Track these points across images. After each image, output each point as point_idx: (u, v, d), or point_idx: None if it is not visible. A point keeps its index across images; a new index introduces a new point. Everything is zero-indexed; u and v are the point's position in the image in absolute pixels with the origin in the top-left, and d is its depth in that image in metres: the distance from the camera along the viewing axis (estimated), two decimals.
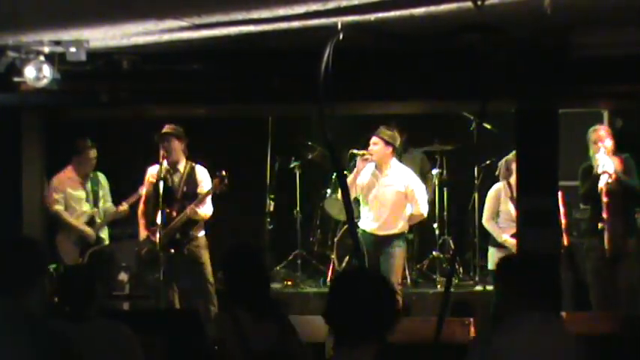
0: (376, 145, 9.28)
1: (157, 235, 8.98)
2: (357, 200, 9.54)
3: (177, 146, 9.14)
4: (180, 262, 9.23)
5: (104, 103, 8.01)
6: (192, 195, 9.19)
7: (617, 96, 8.03)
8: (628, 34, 6.87)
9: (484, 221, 9.22)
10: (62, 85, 7.29)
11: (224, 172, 9.08)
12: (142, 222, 9.32)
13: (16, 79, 7.22)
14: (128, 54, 7.53)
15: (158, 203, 8.99)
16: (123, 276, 10.03)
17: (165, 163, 9.11)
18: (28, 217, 8.48)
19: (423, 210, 9.44)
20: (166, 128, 9.11)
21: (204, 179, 9.27)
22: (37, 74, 7.04)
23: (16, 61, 7.05)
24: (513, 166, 8.93)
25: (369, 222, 9.30)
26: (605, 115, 9.95)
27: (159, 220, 8.98)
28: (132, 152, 10.44)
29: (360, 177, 9.36)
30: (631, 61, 7.28)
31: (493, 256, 9.23)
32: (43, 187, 9.02)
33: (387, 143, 9.28)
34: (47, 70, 7.05)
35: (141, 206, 9.40)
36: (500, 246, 9.13)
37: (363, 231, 9.29)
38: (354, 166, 9.39)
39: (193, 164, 9.29)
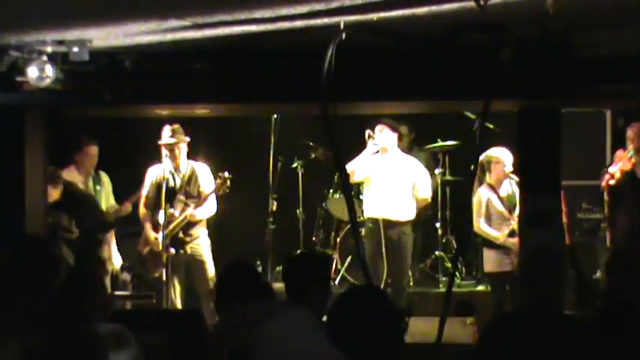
0: (382, 131, 9.48)
1: (160, 235, 9.01)
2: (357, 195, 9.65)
3: (184, 150, 9.21)
4: (182, 262, 9.25)
5: (107, 103, 8.00)
6: (195, 194, 9.24)
7: (620, 95, 8.02)
8: (631, 34, 6.86)
9: (478, 227, 9.15)
10: (65, 84, 7.29)
11: (227, 174, 9.12)
12: (147, 224, 9.31)
13: (18, 79, 7.21)
14: (131, 53, 7.53)
15: (161, 203, 9.02)
16: (125, 275, 10.04)
17: (167, 163, 9.15)
18: (30, 216, 8.47)
19: (428, 194, 9.80)
20: (170, 138, 9.14)
21: (206, 179, 9.31)
22: (39, 74, 7.04)
23: (18, 60, 7.05)
24: (493, 167, 8.99)
25: (380, 208, 9.44)
26: (608, 114, 9.96)
27: (161, 220, 9.01)
28: (135, 152, 10.44)
29: (369, 163, 9.51)
30: (634, 61, 7.27)
31: (489, 258, 9.22)
32: (46, 186, 9.01)
33: (394, 129, 9.57)
34: (50, 70, 7.05)
35: (142, 209, 9.41)
36: (497, 247, 9.10)
37: (373, 219, 9.38)
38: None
39: (195, 164, 9.32)
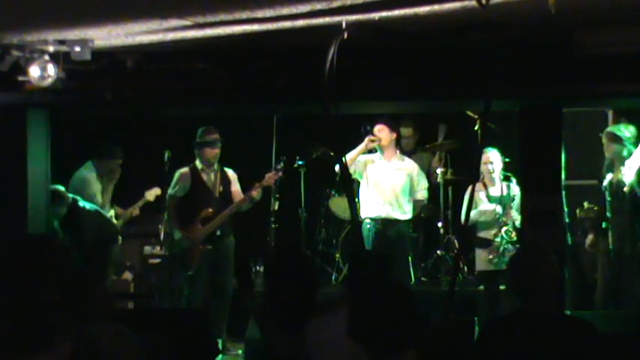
0: (382, 131, 9.52)
1: (197, 232, 9.16)
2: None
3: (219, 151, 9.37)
4: (214, 258, 9.30)
5: (109, 102, 8.01)
6: (227, 194, 9.45)
7: (622, 95, 8.02)
8: (633, 33, 6.86)
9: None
10: (67, 84, 7.31)
11: (282, 164, 9.60)
12: (176, 222, 9.30)
13: (20, 78, 7.23)
14: (133, 53, 7.54)
15: (196, 202, 9.21)
16: (127, 275, 10.06)
17: (199, 163, 9.21)
18: (33, 215, 8.48)
19: (424, 196, 9.85)
20: (211, 138, 9.26)
21: (234, 179, 9.54)
22: (41, 73, 7.05)
23: (20, 60, 7.06)
24: (483, 168, 9.02)
25: (379, 207, 9.48)
26: (610, 114, 9.94)
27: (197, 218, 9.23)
28: (134, 151, 10.45)
29: (366, 159, 9.57)
30: (636, 60, 7.27)
31: (479, 257, 9.24)
32: (48, 185, 9.01)
33: (392, 129, 9.56)
34: (52, 70, 7.06)
35: (171, 208, 9.37)
36: (486, 246, 9.11)
37: (372, 220, 9.40)
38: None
39: (221, 165, 9.43)
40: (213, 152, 9.32)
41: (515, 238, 8.94)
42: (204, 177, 9.36)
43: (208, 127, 9.34)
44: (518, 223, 8.94)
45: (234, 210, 9.38)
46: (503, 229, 9.02)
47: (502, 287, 9.21)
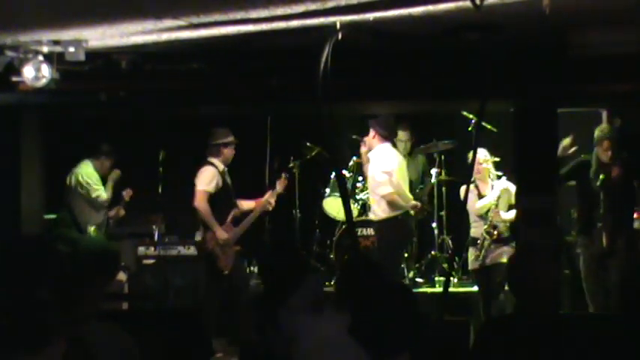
0: (366, 136, 9.67)
1: (229, 232, 9.24)
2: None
3: None
4: (236, 258, 9.35)
5: (103, 103, 8.01)
6: (235, 195, 9.44)
7: (616, 95, 8.03)
8: (626, 34, 6.87)
9: None
10: (61, 84, 7.29)
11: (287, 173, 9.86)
12: (212, 219, 9.23)
13: (14, 79, 7.21)
14: (127, 53, 7.53)
15: (221, 201, 9.25)
16: (121, 276, 10.04)
17: (219, 163, 9.26)
18: (26, 216, 8.47)
19: (383, 191, 9.44)
20: (231, 139, 9.35)
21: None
22: (35, 74, 7.04)
23: (14, 60, 7.04)
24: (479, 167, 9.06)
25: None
26: (604, 114, 9.96)
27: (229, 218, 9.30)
28: (129, 151, 10.44)
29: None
30: (629, 61, 7.28)
31: (470, 255, 9.28)
32: (42, 186, 9.00)
33: (371, 129, 9.56)
34: (46, 70, 7.05)
35: (205, 205, 9.22)
36: (475, 245, 9.15)
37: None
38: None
39: None
40: (232, 153, 9.40)
41: (496, 237, 8.96)
42: (226, 178, 9.37)
43: (224, 128, 9.34)
44: (502, 221, 8.98)
45: (257, 213, 9.55)
46: (484, 227, 9.05)
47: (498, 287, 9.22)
